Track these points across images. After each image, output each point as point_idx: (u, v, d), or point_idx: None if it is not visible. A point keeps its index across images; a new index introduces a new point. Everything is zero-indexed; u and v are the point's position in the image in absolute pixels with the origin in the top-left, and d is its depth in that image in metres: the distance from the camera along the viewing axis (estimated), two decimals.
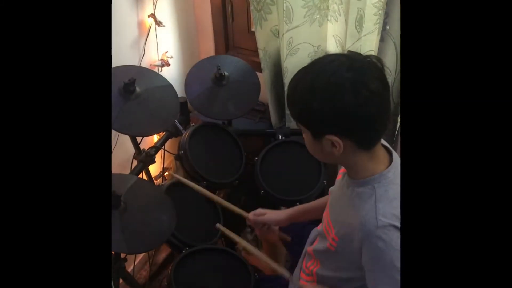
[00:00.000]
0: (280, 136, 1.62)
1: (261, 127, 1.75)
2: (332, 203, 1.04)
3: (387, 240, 0.82)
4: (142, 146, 1.50)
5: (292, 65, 1.50)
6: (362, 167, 0.89)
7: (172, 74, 1.75)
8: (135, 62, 1.58)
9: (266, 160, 1.54)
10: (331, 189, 1.09)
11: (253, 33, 1.53)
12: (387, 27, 1.32)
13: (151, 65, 1.66)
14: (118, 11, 1.45)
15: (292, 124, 1.64)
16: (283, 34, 1.42)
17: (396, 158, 0.92)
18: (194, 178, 1.48)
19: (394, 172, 0.89)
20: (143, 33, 1.59)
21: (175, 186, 1.43)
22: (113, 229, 1.09)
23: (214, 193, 1.62)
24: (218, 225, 1.38)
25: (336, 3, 1.38)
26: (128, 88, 1.29)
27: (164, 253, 1.95)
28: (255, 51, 1.56)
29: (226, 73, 1.53)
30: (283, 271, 1.17)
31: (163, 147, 1.60)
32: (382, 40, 1.34)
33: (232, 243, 1.72)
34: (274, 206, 1.44)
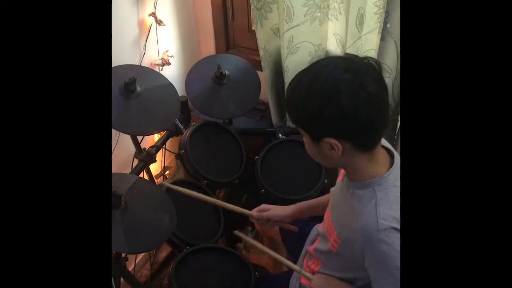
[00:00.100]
0: (280, 135, 1.62)
1: (261, 126, 1.75)
2: (333, 204, 1.04)
3: (390, 243, 0.83)
4: (142, 145, 1.51)
5: (292, 64, 1.49)
6: (362, 169, 0.89)
7: (172, 73, 1.75)
8: (135, 61, 1.57)
9: (267, 159, 1.54)
10: (332, 189, 1.09)
11: (254, 32, 1.53)
12: (388, 25, 1.32)
13: (151, 64, 1.66)
14: (119, 10, 1.45)
15: None
16: (284, 33, 1.41)
17: (398, 160, 0.91)
18: (195, 177, 1.48)
19: (395, 174, 0.88)
20: (144, 32, 1.58)
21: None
22: (113, 228, 1.09)
23: (215, 192, 1.62)
24: (236, 232, 1.33)
25: (336, 1, 1.37)
26: (129, 88, 1.29)
27: (165, 252, 1.95)
28: (256, 50, 1.56)
29: (227, 72, 1.53)
30: (292, 265, 1.16)
31: (163, 146, 1.60)
32: (382, 39, 1.34)
33: (233, 243, 1.73)
34: (275, 205, 1.44)
